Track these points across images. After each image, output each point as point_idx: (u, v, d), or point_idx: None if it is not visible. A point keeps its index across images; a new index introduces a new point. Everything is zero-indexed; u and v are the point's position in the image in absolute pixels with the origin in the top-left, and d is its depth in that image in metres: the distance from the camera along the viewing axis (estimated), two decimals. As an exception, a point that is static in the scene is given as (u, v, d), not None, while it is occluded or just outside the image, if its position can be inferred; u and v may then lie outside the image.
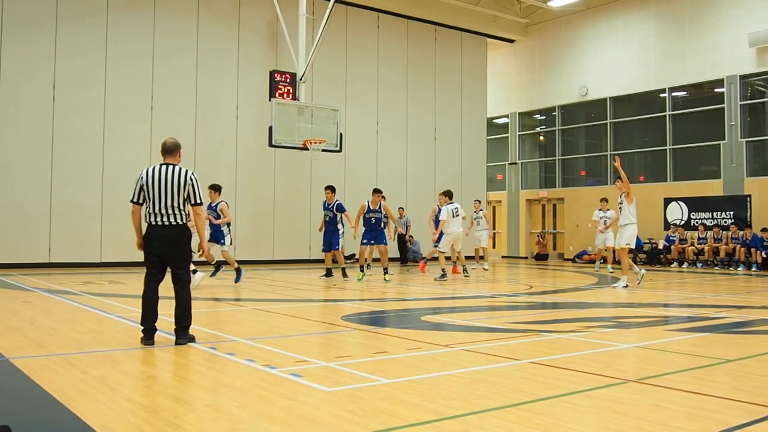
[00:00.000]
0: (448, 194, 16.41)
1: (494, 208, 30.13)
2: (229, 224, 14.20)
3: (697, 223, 22.66)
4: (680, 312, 10.42)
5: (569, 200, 27.16)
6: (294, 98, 19.98)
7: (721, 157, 22.47)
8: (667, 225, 23.53)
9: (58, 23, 18.85)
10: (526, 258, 28.66)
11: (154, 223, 6.84)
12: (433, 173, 25.92)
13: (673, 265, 22.32)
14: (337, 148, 20.26)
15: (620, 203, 14.43)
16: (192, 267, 14.05)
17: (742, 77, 22.08)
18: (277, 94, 19.71)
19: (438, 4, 25.49)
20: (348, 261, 21.99)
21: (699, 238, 22.14)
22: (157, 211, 6.81)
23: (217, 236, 13.74)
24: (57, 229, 18.64)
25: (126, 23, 19.81)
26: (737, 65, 22.11)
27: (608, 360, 6.35)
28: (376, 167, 24.37)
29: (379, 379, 5.26)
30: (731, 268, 20.87)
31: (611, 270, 18.82)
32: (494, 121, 30.32)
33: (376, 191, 16.06)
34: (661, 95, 24.31)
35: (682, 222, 23.14)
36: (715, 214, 22.44)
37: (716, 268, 21.39)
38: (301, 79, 20.20)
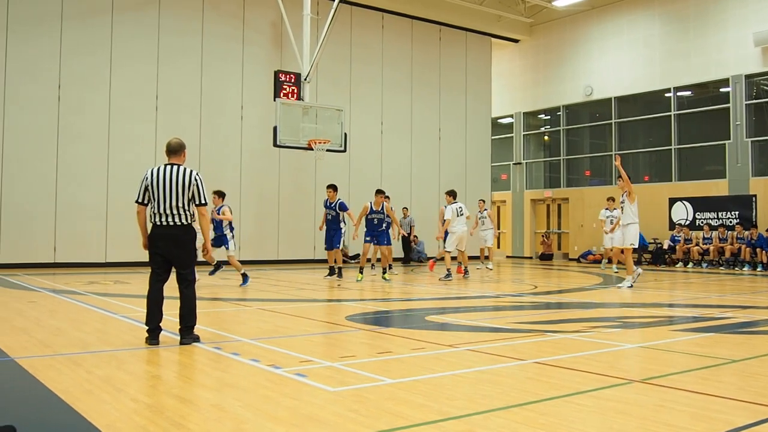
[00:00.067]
0: (453, 194, 16.42)
1: (499, 208, 30.10)
2: (232, 229, 14.21)
3: (702, 223, 22.61)
4: (685, 312, 10.39)
5: (574, 200, 27.12)
6: (299, 98, 19.98)
7: (727, 156, 22.42)
8: (672, 225, 23.49)
9: (63, 23, 18.89)
10: (530, 258, 28.62)
11: (159, 223, 6.85)
12: (438, 173, 25.91)
13: (678, 265, 22.28)
14: (342, 148, 20.26)
15: (622, 202, 14.45)
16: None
17: (748, 77, 22.02)
18: (281, 94, 19.71)
19: (442, 4, 25.48)
20: (353, 261, 22.06)
21: (704, 238, 22.09)
22: (162, 211, 6.81)
23: (221, 241, 13.73)
24: (62, 229, 18.68)
25: (131, 23, 19.85)
26: (742, 65, 22.05)
27: (613, 360, 6.34)
28: (381, 167, 24.37)
29: (383, 379, 5.26)
30: (736, 268, 20.82)
31: (616, 270, 18.78)
32: (499, 121, 30.28)
33: (379, 192, 16.07)
34: (666, 95, 24.26)
35: (687, 222, 23.09)
36: (720, 214, 22.39)
37: (721, 268, 21.34)
38: (305, 79, 20.21)
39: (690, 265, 22.09)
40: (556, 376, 5.46)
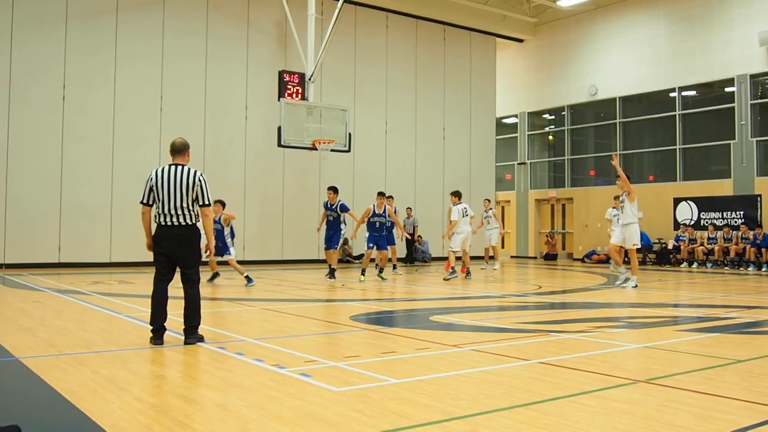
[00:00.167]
0: (458, 194, 16.43)
1: (503, 208, 30.07)
2: (233, 236, 14.29)
3: (706, 222, 22.56)
4: (690, 312, 10.38)
5: (578, 200, 27.09)
6: (303, 98, 19.99)
7: (731, 156, 22.37)
8: (676, 225, 23.44)
9: (68, 23, 18.93)
10: (535, 258, 28.60)
11: (163, 223, 6.86)
12: (442, 173, 25.90)
13: (682, 265, 22.23)
14: (346, 148, 20.26)
15: (621, 202, 14.38)
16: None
17: (753, 76, 21.97)
18: (286, 94, 19.72)
19: (447, 4, 25.47)
20: (356, 261, 22.08)
21: (709, 238, 22.04)
22: (166, 211, 6.82)
23: (221, 249, 13.74)
24: (66, 229, 18.72)
25: (135, 24, 19.88)
26: (747, 64, 22.00)
27: (617, 360, 6.33)
28: (385, 167, 24.37)
29: (387, 379, 5.26)
30: (741, 268, 20.77)
31: (614, 268, 18.73)
32: (503, 120, 30.27)
33: (381, 194, 16.08)
34: (671, 95, 24.21)
35: (692, 222, 23.04)
36: (725, 213, 22.34)
37: (726, 268, 21.29)
38: (310, 79, 20.21)
39: (695, 265, 22.05)
40: (560, 376, 5.45)
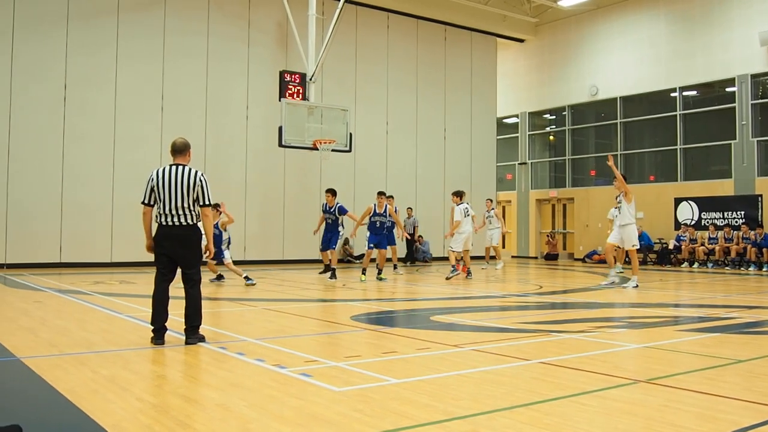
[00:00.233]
0: (459, 194, 16.46)
1: (504, 208, 30.06)
2: (230, 242, 14.30)
3: (707, 222, 22.55)
4: (691, 312, 10.38)
5: (579, 200, 27.09)
6: (304, 98, 19.99)
7: (732, 156, 22.37)
8: (677, 225, 23.44)
9: (69, 23, 18.93)
10: (535, 258, 28.60)
11: (164, 223, 6.86)
12: (443, 173, 25.90)
13: (683, 265, 22.22)
14: (347, 148, 20.26)
15: (619, 203, 14.36)
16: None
17: (753, 76, 21.96)
18: (287, 94, 19.73)
19: (448, 4, 25.47)
20: (357, 261, 22.09)
21: (710, 238, 22.03)
22: (167, 211, 6.83)
23: (216, 255, 13.72)
24: (68, 229, 18.72)
25: (136, 23, 19.88)
26: (748, 64, 21.99)
27: (618, 360, 6.33)
28: (386, 167, 24.37)
29: (388, 379, 5.26)
30: (742, 268, 20.76)
31: (621, 270, 18.72)
32: (504, 120, 30.27)
33: (381, 194, 16.10)
34: (672, 95, 24.20)
35: (693, 222, 23.04)
36: (725, 213, 22.33)
37: (727, 268, 21.28)
38: (311, 79, 20.22)
39: (695, 265, 22.04)
40: (561, 376, 5.45)
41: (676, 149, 23.91)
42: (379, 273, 15.80)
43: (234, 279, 14.69)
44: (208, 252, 7.30)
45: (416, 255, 23.55)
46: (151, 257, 7.07)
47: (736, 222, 21.86)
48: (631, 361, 6.35)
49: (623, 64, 25.64)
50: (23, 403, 4.73)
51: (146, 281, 12.58)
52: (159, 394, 4.90)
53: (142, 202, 6.95)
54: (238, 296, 11.89)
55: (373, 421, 4.13)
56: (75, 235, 18.77)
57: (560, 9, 26.61)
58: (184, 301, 6.90)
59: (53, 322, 8.46)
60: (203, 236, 7.25)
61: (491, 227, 20.17)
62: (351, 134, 20.28)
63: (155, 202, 6.90)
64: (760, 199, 21.46)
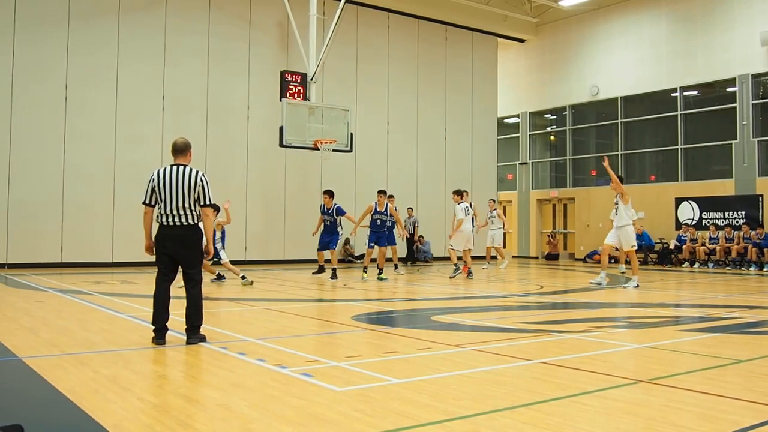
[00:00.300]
0: (460, 193, 16.50)
1: (504, 208, 30.06)
2: (224, 240, 14.28)
3: (708, 222, 22.55)
4: (692, 312, 10.37)
5: (580, 200, 27.08)
6: (305, 98, 20.00)
7: (733, 156, 22.36)
8: (678, 225, 23.44)
9: (70, 23, 18.94)
10: (536, 258, 28.59)
11: (165, 223, 6.86)
12: (444, 173, 25.90)
13: (684, 265, 22.22)
14: (348, 148, 20.27)
15: (616, 204, 14.33)
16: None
17: (754, 76, 21.96)
18: (287, 94, 19.74)
19: (448, 4, 25.47)
20: (358, 260, 22.10)
21: (710, 238, 22.03)
22: (168, 211, 6.83)
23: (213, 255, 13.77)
24: (69, 229, 18.73)
25: (137, 23, 19.89)
26: (749, 64, 21.99)
27: (619, 360, 6.33)
28: (387, 167, 24.37)
29: (389, 378, 5.26)
30: (743, 268, 20.75)
31: (623, 270, 18.73)
32: (505, 120, 30.26)
33: (381, 192, 16.12)
34: (673, 95, 24.20)
35: (694, 222, 23.03)
36: (726, 213, 22.33)
37: (728, 268, 21.28)
38: (311, 79, 20.23)
39: (696, 265, 22.03)
40: (562, 376, 5.45)
41: (677, 149, 23.91)
42: (380, 273, 15.81)
43: (233, 279, 14.70)
44: (206, 252, 7.30)
45: (417, 255, 23.56)
46: (151, 257, 7.07)
47: (737, 222, 21.85)
48: (632, 361, 6.35)
49: (624, 64, 25.64)
50: (24, 402, 4.73)
51: (147, 281, 12.58)
52: (160, 394, 4.90)
53: (143, 203, 6.95)
54: (239, 296, 11.89)
55: (374, 421, 4.13)
56: (76, 235, 18.78)
57: (561, 9, 26.61)
58: (185, 300, 6.90)
59: (54, 321, 8.46)
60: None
61: (493, 227, 20.17)
62: (352, 134, 20.29)
63: (156, 202, 6.90)
64: (760, 199, 21.45)
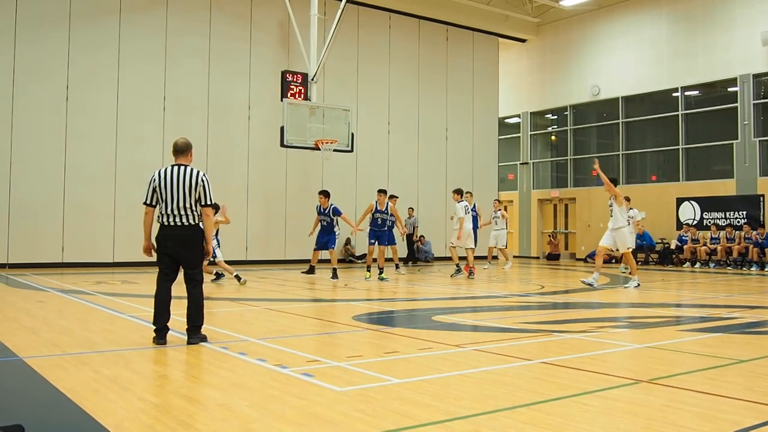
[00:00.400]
0: (459, 192, 16.55)
1: (505, 207, 30.03)
2: (218, 242, 14.27)
3: (709, 222, 22.54)
4: (692, 312, 10.37)
5: (581, 200, 27.07)
6: (306, 98, 20.01)
7: (734, 156, 22.35)
8: (679, 225, 23.43)
9: (71, 23, 18.95)
10: (537, 258, 28.58)
11: (166, 223, 6.86)
12: (445, 173, 25.90)
13: (685, 265, 22.21)
14: (349, 148, 20.27)
15: (610, 206, 14.29)
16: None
17: (755, 76, 21.94)
18: (288, 94, 19.74)
19: (449, 4, 25.46)
20: (359, 261, 22.11)
21: (711, 238, 22.01)
22: (169, 212, 6.83)
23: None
24: (70, 229, 18.74)
25: (138, 23, 19.90)
26: (750, 64, 21.98)
27: (620, 360, 6.33)
28: (388, 167, 24.37)
29: (390, 378, 5.26)
30: (744, 268, 20.74)
31: (623, 270, 18.73)
32: (506, 120, 30.24)
33: (381, 191, 16.16)
34: (674, 94, 24.19)
35: (695, 222, 23.02)
36: (727, 213, 22.32)
37: (729, 268, 21.26)
38: (312, 79, 20.23)
39: (697, 265, 22.02)
40: (562, 376, 5.45)
41: (678, 149, 23.90)
42: (381, 272, 15.82)
43: (232, 279, 14.70)
44: (206, 252, 7.30)
45: (418, 255, 23.56)
46: (151, 258, 7.07)
47: (738, 222, 21.84)
48: (633, 361, 6.34)
49: (625, 63, 25.63)
50: (25, 402, 4.74)
51: (148, 281, 12.60)
52: (161, 394, 4.90)
53: (144, 203, 6.95)
54: (240, 296, 11.90)
55: (374, 421, 4.13)
56: (77, 235, 18.79)
57: (562, 9, 26.60)
58: (186, 300, 6.91)
59: (55, 321, 8.46)
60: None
61: (497, 227, 20.15)
62: (353, 134, 20.29)
63: (157, 202, 6.90)
64: (762, 199, 21.44)
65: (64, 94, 18.83)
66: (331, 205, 15.80)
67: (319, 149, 19.49)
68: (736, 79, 22.30)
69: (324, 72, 21.10)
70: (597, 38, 26.67)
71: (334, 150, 19.74)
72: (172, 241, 6.88)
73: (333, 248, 15.83)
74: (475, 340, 7.32)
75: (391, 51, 24.75)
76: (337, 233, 15.98)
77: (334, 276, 15.48)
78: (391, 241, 17.03)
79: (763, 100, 22.00)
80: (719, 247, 21.58)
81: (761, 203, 21.43)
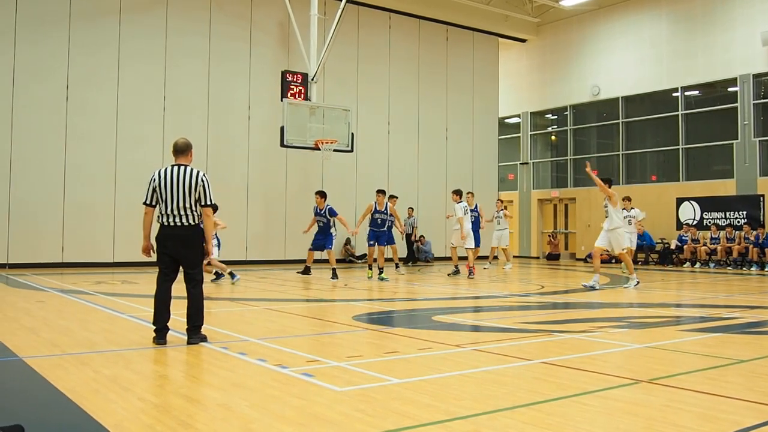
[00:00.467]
0: (459, 193, 16.58)
1: (506, 207, 30.01)
2: (218, 241, 14.28)
3: (709, 222, 22.54)
4: (692, 312, 10.37)
5: (581, 200, 27.07)
6: (306, 98, 20.00)
7: (734, 156, 22.36)
8: (679, 225, 23.43)
9: (71, 23, 18.95)
10: (537, 258, 28.58)
11: (166, 223, 6.86)
12: (445, 173, 25.90)
13: (685, 265, 22.21)
14: (349, 148, 20.27)
15: (605, 207, 14.26)
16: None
17: (755, 76, 21.95)
18: (288, 94, 19.74)
19: (449, 4, 25.46)
20: (359, 261, 22.11)
21: (711, 238, 22.02)
22: (169, 212, 6.83)
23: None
24: (70, 229, 18.74)
25: (138, 23, 19.90)
26: (750, 64, 21.99)
27: (620, 360, 6.33)
28: (388, 167, 24.37)
29: (390, 378, 5.26)
30: (744, 268, 20.74)
31: (624, 270, 18.72)
32: (506, 120, 30.25)
33: (380, 192, 16.18)
34: (674, 94, 24.20)
35: (695, 222, 23.02)
36: (727, 213, 22.32)
37: (729, 268, 21.26)
38: (312, 79, 20.23)
39: (697, 265, 22.02)
40: (562, 376, 5.45)
41: (678, 149, 23.90)
42: (381, 272, 15.83)
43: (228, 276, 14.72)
44: (206, 252, 7.30)
45: (418, 255, 23.57)
46: (149, 258, 7.07)
47: (738, 222, 21.84)
48: (633, 361, 6.34)
49: (625, 63, 25.64)
50: (25, 402, 4.74)
51: (148, 281, 12.59)
52: (161, 394, 4.90)
53: (144, 203, 6.95)
54: (240, 296, 11.90)
55: (374, 421, 4.13)
56: (77, 235, 18.79)
57: (562, 9, 26.60)
58: (185, 300, 6.90)
59: (55, 321, 8.46)
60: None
61: (500, 227, 20.15)
62: (353, 134, 20.29)
63: (157, 202, 6.90)
64: (762, 199, 21.45)
65: (64, 94, 18.83)
66: (327, 205, 15.79)
67: (319, 149, 19.49)
68: (736, 79, 22.31)
69: (324, 72, 21.10)
70: (597, 38, 26.68)
71: (334, 150, 19.74)
72: (172, 241, 6.88)
73: (330, 248, 15.82)
74: (475, 340, 7.32)
75: (391, 51, 24.76)
76: (333, 234, 15.98)
77: (334, 276, 15.48)
78: (391, 241, 17.04)
79: (763, 100, 22.00)
80: (719, 247, 21.58)
81: (761, 203, 21.43)
